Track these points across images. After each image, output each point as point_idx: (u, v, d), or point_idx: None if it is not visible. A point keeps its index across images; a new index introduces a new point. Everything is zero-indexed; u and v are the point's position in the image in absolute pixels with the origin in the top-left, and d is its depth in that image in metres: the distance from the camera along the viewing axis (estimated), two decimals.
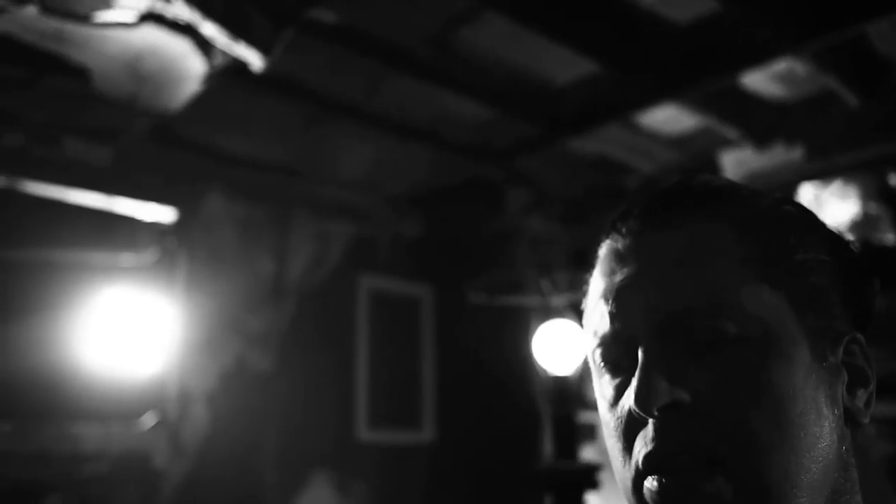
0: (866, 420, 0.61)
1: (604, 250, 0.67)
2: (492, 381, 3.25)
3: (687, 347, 0.57)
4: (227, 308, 3.00)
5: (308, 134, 2.89)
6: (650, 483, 0.56)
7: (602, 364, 0.63)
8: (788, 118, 2.67)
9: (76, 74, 2.33)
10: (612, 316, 0.61)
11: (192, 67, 2.31)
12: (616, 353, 0.61)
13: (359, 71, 2.51)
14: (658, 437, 0.56)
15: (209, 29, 1.99)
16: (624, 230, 0.65)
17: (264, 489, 2.98)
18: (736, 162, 2.80)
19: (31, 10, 2.01)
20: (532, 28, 2.26)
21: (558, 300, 2.32)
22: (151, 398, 2.80)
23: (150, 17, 2.07)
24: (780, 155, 2.73)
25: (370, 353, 3.40)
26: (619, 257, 0.64)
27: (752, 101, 2.63)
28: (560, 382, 2.13)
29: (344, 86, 2.60)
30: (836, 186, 2.62)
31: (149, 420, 2.76)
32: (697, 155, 2.93)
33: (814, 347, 0.58)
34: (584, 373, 2.98)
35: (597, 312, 0.64)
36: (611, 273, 0.63)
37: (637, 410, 0.56)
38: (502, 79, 2.56)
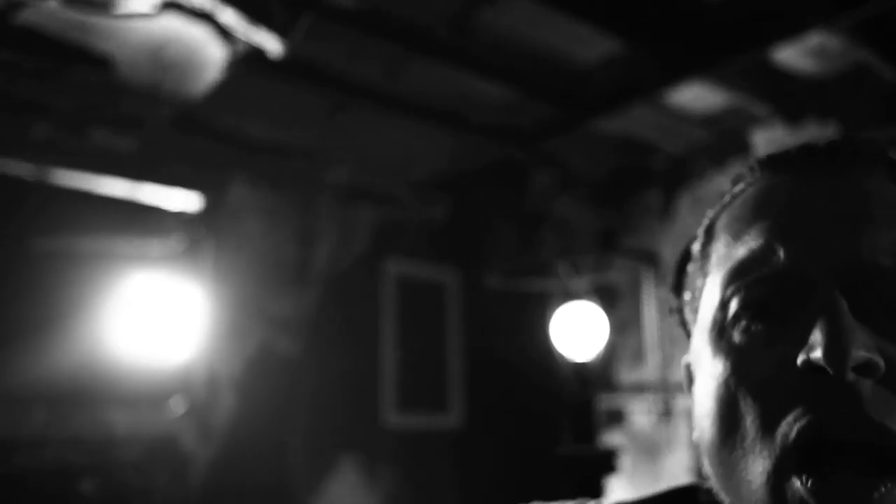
0: None
1: (753, 186, 0.54)
2: (518, 366, 3.24)
3: (872, 308, 0.46)
4: (253, 294, 3.03)
5: (332, 119, 2.88)
6: (807, 482, 0.42)
7: (741, 308, 0.49)
8: (821, 94, 2.60)
9: (101, 64, 2.35)
10: (779, 249, 0.48)
11: (213, 55, 2.31)
12: (771, 295, 0.48)
13: (380, 55, 2.49)
14: (836, 401, 0.43)
15: (228, 16, 1.99)
16: (787, 163, 0.54)
17: (291, 473, 3.01)
18: (767, 140, 2.74)
19: (53, 2, 2.03)
20: (554, 7, 2.22)
21: (578, 284, 2.29)
22: (180, 384, 2.84)
23: (171, 6, 2.08)
24: (812, 132, 2.66)
25: (396, 337, 3.40)
26: (782, 190, 0.52)
27: (784, 77, 2.56)
28: (579, 367, 2.11)
29: (366, 70, 2.58)
30: None
31: (177, 405, 2.80)
32: (727, 133, 2.86)
33: None
34: (610, 356, 2.95)
35: (746, 245, 0.50)
36: (773, 206, 0.51)
37: (823, 363, 0.42)
38: (525, 60, 2.53)
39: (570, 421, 2.16)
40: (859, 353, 0.42)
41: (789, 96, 2.63)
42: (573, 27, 2.33)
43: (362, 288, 3.37)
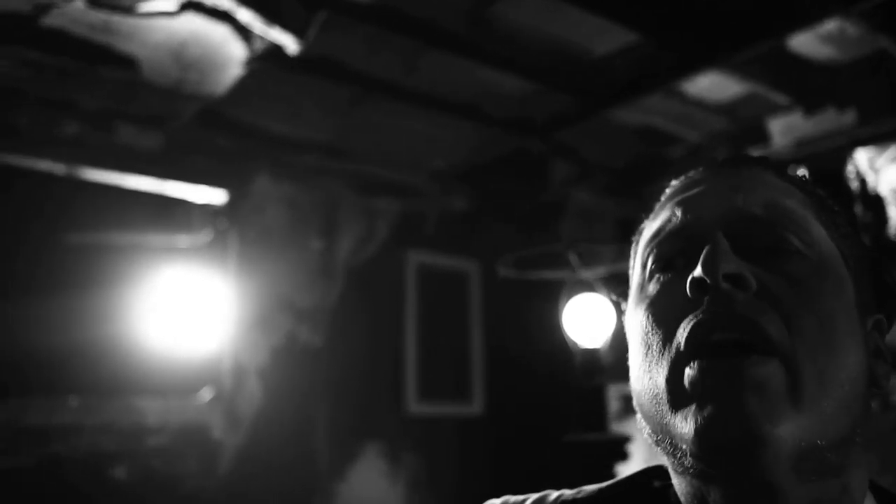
0: (886, 385, 0.60)
1: (672, 188, 0.69)
2: (540, 354, 3.27)
3: (751, 251, 0.57)
4: (277, 286, 3.09)
5: (352, 113, 2.92)
6: (695, 366, 0.53)
7: (654, 262, 0.62)
8: (839, 81, 2.57)
9: (125, 64, 2.42)
10: (681, 214, 0.62)
11: (233, 52, 2.37)
12: (675, 247, 0.61)
13: (397, 49, 2.52)
14: (714, 306, 0.54)
15: (245, 15, 2.04)
16: (697, 170, 0.68)
17: (317, 460, 3.08)
18: (785, 128, 2.72)
19: (78, 4, 2.10)
20: None
21: (588, 273, 2.31)
22: (208, 373, 2.92)
23: (191, 6, 2.14)
24: (831, 120, 2.64)
25: (419, 327, 3.45)
26: (691, 182, 0.66)
27: (801, 65, 2.54)
28: (589, 355, 2.14)
29: (383, 65, 2.62)
30: (893, 151, 2.52)
31: (206, 394, 2.89)
32: (745, 122, 2.85)
33: (858, 294, 0.60)
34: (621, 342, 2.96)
35: (659, 217, 0.64)
36: (682, 190, 0.66)
37: (701, 274, 0.54)
38: (541, 51, 2.54)
39: (580, 408, 2.20)
40: (730, 266, 0.54)
41: (807, 84, 2.62)
42: (588, 19, 2.34)
43: (384, 278, 3.42)
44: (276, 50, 2.32)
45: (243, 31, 2.22)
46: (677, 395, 0.54)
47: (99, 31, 2.24)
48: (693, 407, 0.53)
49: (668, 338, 0.56)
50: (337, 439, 3.14)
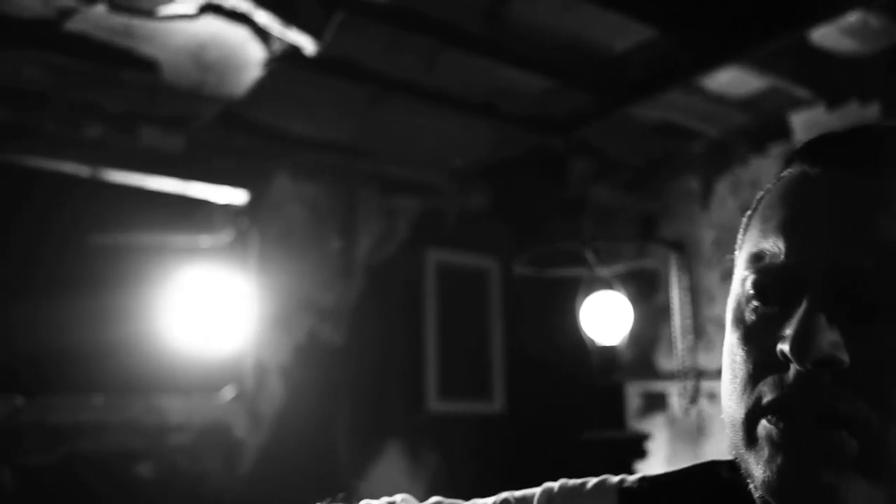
0: None
1: (792, 172, 0.62)
2: (560, 352, 3.26)
3: (856, 306, 0.53)
4: (298, 285, 3.12)
5: (370, 113, 2.94)
6: (769, 422, 0.53)
7: (752, 289, 0.58)
8: (862, 74, 2.54)
9: (146, 67, 2.46)
10: (786, 245, 0.56)
11: (252, 54, 2.39)
12: (774, 284, 0.57)
13: (414, 49, 2.53)
14: (798, 388, 0.52)
15: (262, 17, 2.05)
16: (822, 156, 0.59)
17: (338, 458, 3.10)
18: (807, 122, 2.69)
19: (100, 9, 2.13)
20: None
21: (606, 271, 2.30)
22: (230, 372, 2.95)
23: (210, 8, 2.16)
24: (854, 113, 2.60)
25: (439, 325, 3.46)
26: (805, 185, 0.59)
27: (823, 58, 2.51)
28: (606, 352, 2.13)
29: (401, 64, 2.63)
30: None
31: (228, 393, 2.92)
32: (766, 117, 2.82)
33: None
34: (647, 342, 2.95)
35: (766, 236, 0.59)
36: (793, 200, 0.59)
37: (790, 355, 0.52)
38: (558, 49, 2.54)
39: (599, 406, 2.19)
40: (821, 350, 0.51)
41: (829, 77, 2.58)
42: (605, 15, 2.33)
43: (404, 277, 3.43)
44: (294, 51, 2.33)
45: (262, 33, 2.24)
46: (751, 438, 0.55)
47: (120, 34, 2.27)
48: (765, 456, 0.54)
49: (750, 381, 0.56)
50: (358, 437, 3.16)
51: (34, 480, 2.44)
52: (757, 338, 0.57)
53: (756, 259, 0.59)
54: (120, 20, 2.19)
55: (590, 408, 2.99)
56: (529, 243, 2.99)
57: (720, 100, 2.78)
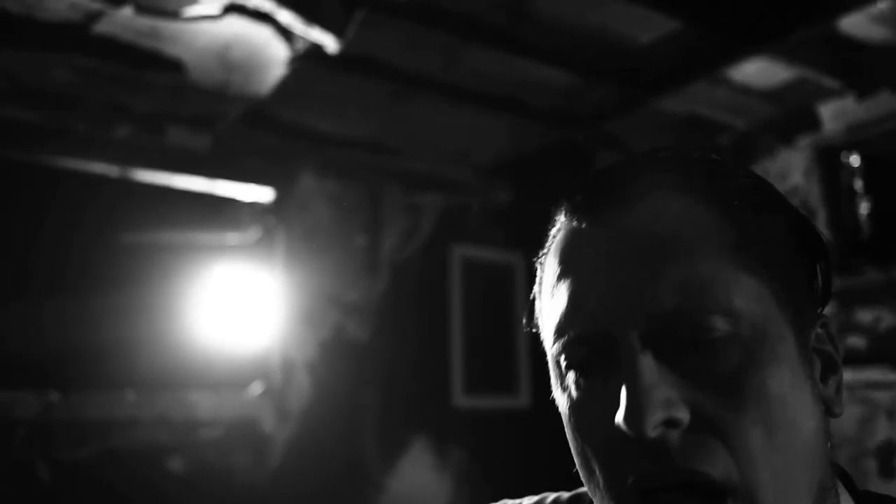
0: (841, 410, 0.56)
1: (562, 232, 0.59)
2: None
3: (673, 349, 0.51)
4: (324, 281, 3.14)
5: (394, 110, 2.95)
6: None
7: (568, 367, 0.56)
8: (894, 63, 2.49)
9: (173, 67, 2.49)
10: (580, 312, 0.54)
11: (276, 53, 2.41)
12: (585, 355, 0.54)
13: (436, 45, 2.53)
14: (654, 460, 0.50)
15: (285, 16, 2.07)
16: (586, 207, 0.56)
17: (365, 453, 3.13)
18: (836, 113, 2.64)
19: (126, 11, 2.17)
20: None
21: None
22: (258, 368, 2.99)
23: (233, 9, 2.18)
24: (885, 103, 2.55)
25: (464, 320, 3.46)
26: (579, 242, 0.56)
27: (853, 47, 2.46)
28: None
29: (424, 60, 2.63)
30: None
31: (256, 388, 2.95)
32: (794, 108, 2.78)
33: (797, 340, 0.53)
34: None
35: (557, 307, 0.55)
36: (572, 260, 0.56)
37: (627, 431, 0.49)
38: (581, 42, 2.52)
39: None
40: (656, 416, 0.48)
41: (859, 67, 2.53)
42: (628, 7, 2.31)
43: (429, 273, 3.44)
44: (317, 49, 2.35)
45: (285, 32, 2.26)
46: None
47: (146, 36, 2.30)
48: None
49: (608, 476, 0.53)
50: (385, 432, 3.18)
51: (69, 474, 2.50)
52: (593, 424, 0.54)
53: (558, 333, 0.55)
54: (146, 22, 2.22)
55: None
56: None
57: (747, 91, 2.75)
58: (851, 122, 2.62)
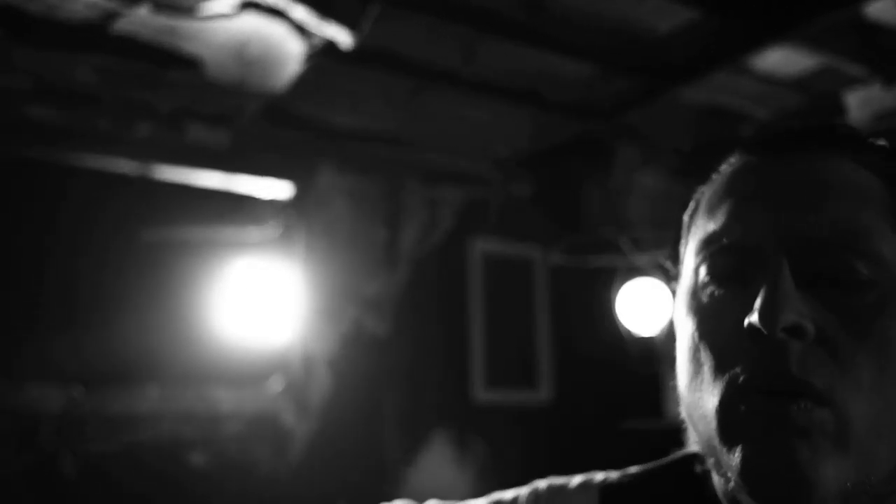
0: None
1: (734, 167, 0.62)
2: (606, 341, 3.22)
3: (815, 279, 0.54)
4: (344, 276, 3.15)
5: (412, 104, 2.94)
6: (744, 408, 0.52)
7: (708, 275, 0.58)
8: None
9: (191, 65, 2.50)
10: (739, 223, 0.57)
11: (292, 49, 2.42)
12: (731, 264, 0.57)
13: (454, 38, 2.52)
14: (773, 361, 0.52)
15: (299, 12, 2.07)
16: (764, 145, 0.61)
17: (385, 447, 3.13)
18: (862, 101, 2.59)
19: (144, 10, 2.18)
20: None
21: (643, 259, 2.26)
22: (278, 363, 3.01)
23: (249, 5, 2.19)
24: None
25: (485, 314, 3.45)
26: (752, 171, 0.60)
27: (880, 34, 2.41)
28: (644, 342, 2.09)
29: (442, 54, 2.62)
30: None
31: (276, 383, 2.97)
32: (819, 96, 2.72)
33: None
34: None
35: (714, 220, 0.58)
36: (741, 185, 0.59)
37: (758, 324, 0.51)
38: (600, 33, 2.49)
39: (639, 395, 2.16)
40: (789, 317, 0.51)
41: (886, 54, 2.47)
42: None
43: (450, 267, 3.44)
44: (334, 45, 2.35)
45: (300, 28, 2.26)
46: (726, 428, 0.54)
47: (165, 34, 2.32)
48: (741, 445, 0.53)
49: (719, 367, 0.55)
50: (405, 426, 3.18)
51: (93, 468, 2.54)
52: (719, 322, 0.56)
53: (707, 243, 0.58)
54: (164, 20, 2.23)
55: (631, 397, 2.95)
56: (574, 232, 2.95)
57: (770, 80, 2.70)
58: (878, 110, 2.56)
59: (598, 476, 0.73)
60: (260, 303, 3.01)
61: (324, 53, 2.43)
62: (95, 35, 2.30)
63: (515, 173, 3.61)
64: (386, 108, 2.98)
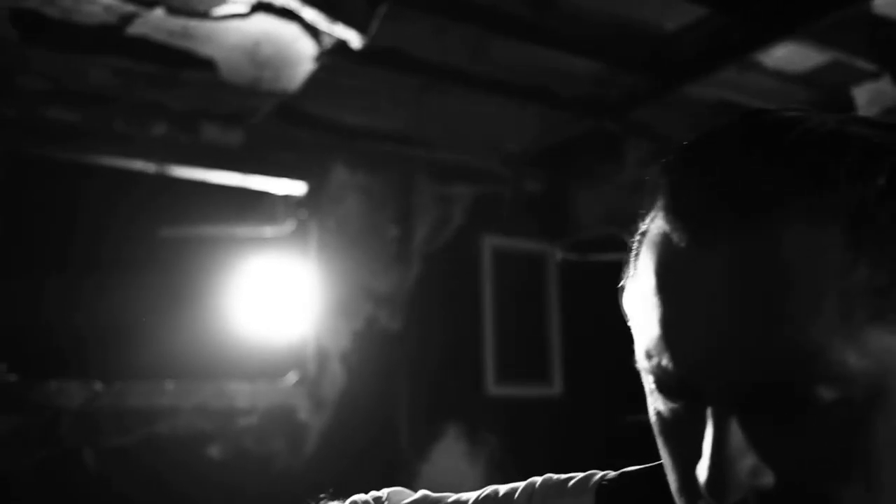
0: None
1: (661, 234, 0.49)
2: (617, 335, 3.24)
3: (768, 413, 0.45)
4: (357, 272, 3.19)
5: (423, 102, 2.97)
6: None
7: (655, 385, 0.50)
8: None
9: (205, 66, 2.55)
10: (673, 350, 0.47)
11: (303, 49, 2.45)
12: (674, 391, 0.49)
13: (462, 36, 2.55)
14: None
15: (309, 14, 2.11)
16: (692, 221, 0.47)
17: (399, 440, 3.18)
18: (871, 96, 2.59)
19: (158, 13, 2.23)
20: None
21: None
22: (293, 358, 3.06)
23: (260, 7, 2.23)
24: None
25: (496, 309, 3.48)
26: (685, 259, 0.47)
27: (888, 28, 2.41)
28: None
29: (451, 52, 2.65)
30: None
31: (291, 378, 3.02)
32: (828, 92, 2.73)
33: None
34: None
35: (649, 325, 0.49)
36: (671, 276, 0.48)
37: (706, 497, 0.45)
38: (607, 30, 2.51)
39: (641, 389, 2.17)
40: (740, 487, 0.44)
41: (895, 48, 2.47)
42: None
43: (461, 262, 3.47)
44: (344, 44, 2.38)
45: (311, 29, 2.30)
46: None
47: (178, 36, 2.36)
48: None
49: (682, 484, 0.50)
50: (418, 420, 3.23)
51: (113, 460, 2.60)
52: (676, 441, 0.50)
53: (648, 356, 0.50)
54: (177, 22, 2.28)
55: (642, 391, 2.96)
56: (584, 227, 2.97)
57: (779, 76, 2.71)
58: (887, 105, 2.56)
59: (596, 476, 0.71)
60: (274, 298, 3.06)
61: (334, 53, 2.46)
62: (111, 37, 2.35)
63: (525, 170, 3.63)
64: (396, 106, 3.01)
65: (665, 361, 0.48)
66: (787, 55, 2.57)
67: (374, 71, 2.69)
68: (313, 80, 2.67)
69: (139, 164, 2.85)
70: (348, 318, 3.15)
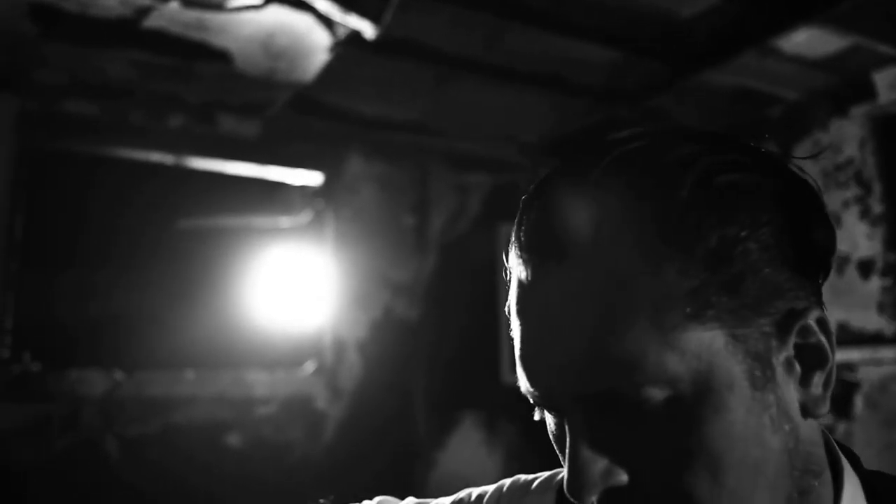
0: (824, 410, 0.53)
1: (511, 269, 0.57)
2: None
3: (615, 419, 0.51)
4: (373, 262, 3.21)
5: (438, 91, 2.96)
6: None
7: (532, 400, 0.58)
8: None
9: (220, 58, 2.56)
10: (525, 374, 0.55)
11: (318, 40, 2.46)
12: (539, 405, 0.57)
13: (478, 25, 2.53)
14: None
15: (322, 4, 2.11)
16: (527, 255, 0.54)
17: (417, 429, 3.20)
18: (892, 81, 2.54)
19: (174, 5, 2.24)
20: None
21: None
22: (311, 347, 3.08)
23: None
24: None
25: None
26: (525, 292, 0.55)
27: None
28: None
29: (466, 42, 2.63)
30: None
31: (309, 367, 3.05)
32: (848, 77, 2.68)
33: (753, 376, 0.51)
34: None
35: (515, 358, 0.57)
36: (519, 314, 0.56)
37: (571, 499, 0.52)
38: (622, 18, 2.49)
39: None
40: (594, 486, 0.51)
41: None
42: None
43: (477, 251, 3.47)
44: (359, 35, 2.38)
45: (326, 19, 2.30)
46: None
47: (194, 28, 2.38)
48: None
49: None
50: (435, 409, 3.24)
51: (134, 449, 2.64)
52: (559, 446, 0.57)
53: (515, 372, 0.58)
54: (192, 14, 2.29)
55: None
56: None
57: (798, 61, 2.66)
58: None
59: (560, 474, 0.73)
60: (292, 288, 3.08)
61: (349, 43, 2.46)
62: (127, 31, 2.37)
63: (542, 158, 3.62)
64: (412, 96, 3.01)
65: (523, 381, 0.56)
66: (807, 40, 2.53)
67: (389, 61, 2.68)
68: (328, 71, 2.67)
69: (157, 156, 2.88)
70: (365, 308, 3.17)
